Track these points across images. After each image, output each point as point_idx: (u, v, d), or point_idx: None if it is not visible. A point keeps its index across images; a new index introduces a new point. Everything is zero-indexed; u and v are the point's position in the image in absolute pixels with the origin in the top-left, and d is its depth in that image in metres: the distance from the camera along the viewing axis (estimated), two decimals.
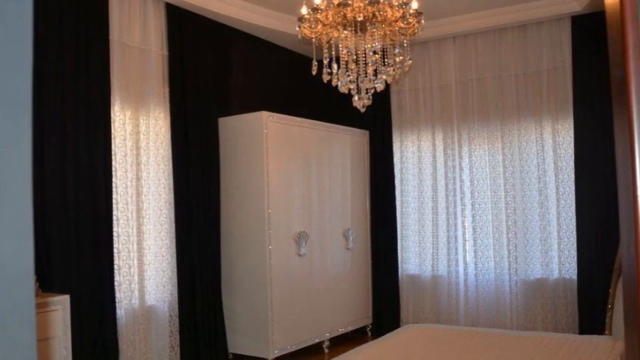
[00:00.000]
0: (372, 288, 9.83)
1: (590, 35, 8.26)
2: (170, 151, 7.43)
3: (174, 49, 7.55)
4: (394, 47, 6.07)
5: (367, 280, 9.75)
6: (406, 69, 6.45)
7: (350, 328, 9.26)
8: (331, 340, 8.79)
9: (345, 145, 9.29)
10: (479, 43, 9.20)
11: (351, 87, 6.06)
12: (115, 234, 6.70)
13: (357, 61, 6.01)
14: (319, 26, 5.81)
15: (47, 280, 5.92)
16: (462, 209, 9.31)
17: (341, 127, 9.23)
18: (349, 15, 5.72)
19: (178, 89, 7.55)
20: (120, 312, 6.78)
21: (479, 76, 9.19)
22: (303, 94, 9.86)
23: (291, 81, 9.78)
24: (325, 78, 5.96)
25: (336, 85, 6.04)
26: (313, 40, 5.94)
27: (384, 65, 6.11)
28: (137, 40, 7.14)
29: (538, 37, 8.79)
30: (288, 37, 8.91)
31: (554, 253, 8.67)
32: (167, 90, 7.48)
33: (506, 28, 8.94)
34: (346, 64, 5.98)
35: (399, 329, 6.79)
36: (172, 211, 7.42)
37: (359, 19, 5.70)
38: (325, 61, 5.95)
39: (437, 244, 9.47)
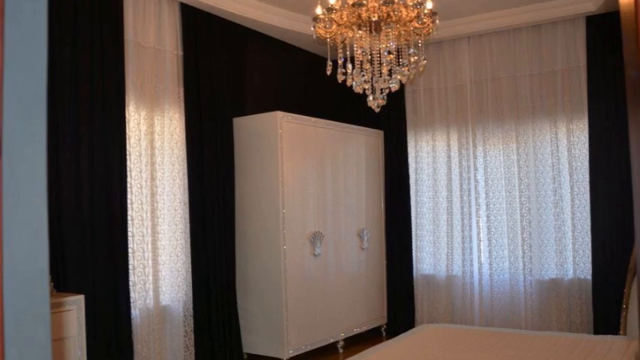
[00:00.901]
0: (386, 288, 9.83)
1: (604, 35, 8.25)
2: (185, 151, 7.44)
3: (189, 49, 7.56)
4: (409, 47, 6.06)
5: (382, 280, 9.75)
6: (421, 69, 6.43)
7: (365, 328, 9.25)
8: (346, 340, 8.79)
9: (360, 145, 9.29)
10: (493, 43, 9.18)
11: (366, 87, 6.04)
12: (129, 234, 6.71)
13: (371, 61, 6.00)
14: (334, 26, 5.81)
15: (62, 280, 5.94)
16: (476, 209, 9.30)
17: (355, 127, 9.23)
18: (364, 15, 5.71)
19: (193, 89, 7.56)
20: (134, 312, 6.79)
21: (493, 76, 9.18)
22: (318, 94, 9.86)
23: (306, 81, 9.79)
24: (340, 78, 5.96)
25: (351, 85, 6.03)
26: (328, 40, 5.94)
27: (399, 65, 6.10)
28: (152, 40, 7.15)
29: (553, 37, 8.77)
30: (303, 37, 8.91)
31: (569, 253, 8.65)
32: (182, 90, 7.49)
33: (520, 28, 8.92)
34: (361, 64, 5.97)
35: (413, 329, 6.79)
36: (187, 211, 7.43)
37: (374, 19, 5.69)
38: (340, 61, 5.95)
39: (451, 244, 9.46)
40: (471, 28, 9.09)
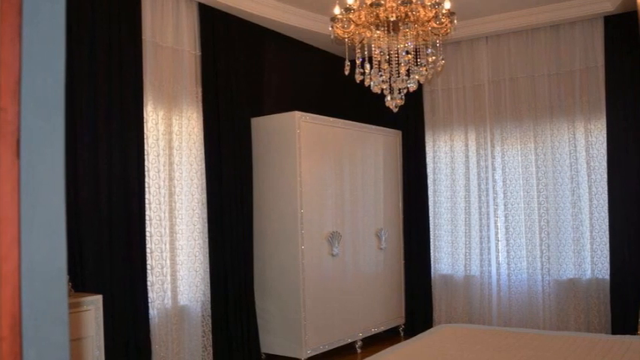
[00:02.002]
0: (404, 288, 9.81)
1: (622, 35, 8.22)
2: (203, 151, 7.44)
3: (207, 49, 7.56)
4: (427, 47, 6.06)
5: (400, 280, 9.74)
6: (439, 69, 6.43)
7: (382, 328, 9.25)
8: (364, 340, 8.78)
9: (378, 145, 9.28)
10: (511, 43, 9.15)
11: (384, 87, 6.04)
12: (147, 234, 6.71)
13: (389, 61, 5.99)
14: (352, 26, 5.81)
15: (80, 280, 5.95)
16: (494, 209, 9.28)
17: (373, 127, 9.22)
18: (382, 15, 5.71)
19: (211, 89, 7.56)
20: (152, 312, 6.79)
21: (511, 76, 9.15)
22: (336, 94, 9.86)
23: (324, 81, 9.78)
24: (358, 78, 5.96)
25: (369, 85, 6.03)
26: (346, 40, 5.94)
27: (417, 65, 6.09)
28: (170, 40, 7.16)
29: (571, 37, 8.74)
30: (321, 37, 8.91)
31: (587, 253, 8.62)
32: (200, 90, 7.50)
33: (538, 28, 8.90)
34: (379, 64, 5.97)
35: (431, 329, 6.77)
36: (205, 211, 7.43)
37: (391, 19, 5.69)
38: (358, 61, 5.95)
39: (469, 244, 9.44)
40: (489, 28, 9.06)
